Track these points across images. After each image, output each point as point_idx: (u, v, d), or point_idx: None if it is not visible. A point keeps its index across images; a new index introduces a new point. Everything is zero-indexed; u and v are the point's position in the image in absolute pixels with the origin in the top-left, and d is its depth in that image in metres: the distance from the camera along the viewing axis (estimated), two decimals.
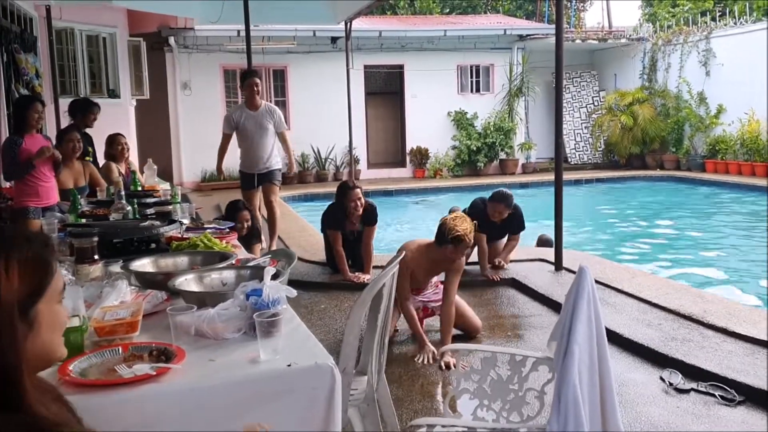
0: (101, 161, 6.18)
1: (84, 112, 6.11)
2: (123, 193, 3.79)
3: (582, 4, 25.09)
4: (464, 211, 5.94)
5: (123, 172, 5.92)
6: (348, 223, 5.74)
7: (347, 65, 11.22)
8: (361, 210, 5.64)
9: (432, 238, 4.22)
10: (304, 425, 1.70)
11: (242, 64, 11.28)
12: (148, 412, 1.58)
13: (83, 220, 3.59)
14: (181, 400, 1.61)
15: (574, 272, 5.59)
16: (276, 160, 6.83)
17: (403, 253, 3.79)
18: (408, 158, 15.54)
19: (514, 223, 5.87)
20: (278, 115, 6.76)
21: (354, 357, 2.45)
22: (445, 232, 4.04)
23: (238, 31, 12.28)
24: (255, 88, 6.52)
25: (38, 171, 4.77)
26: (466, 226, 4.03)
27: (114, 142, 6.03)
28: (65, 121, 7.12)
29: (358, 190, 5.67)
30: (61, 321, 1.17)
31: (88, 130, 6.21)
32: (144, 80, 12.14)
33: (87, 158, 5.93)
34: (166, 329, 1.88)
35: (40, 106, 4.92)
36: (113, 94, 11.18)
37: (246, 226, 5.52)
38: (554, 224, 5.81)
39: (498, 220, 5.74)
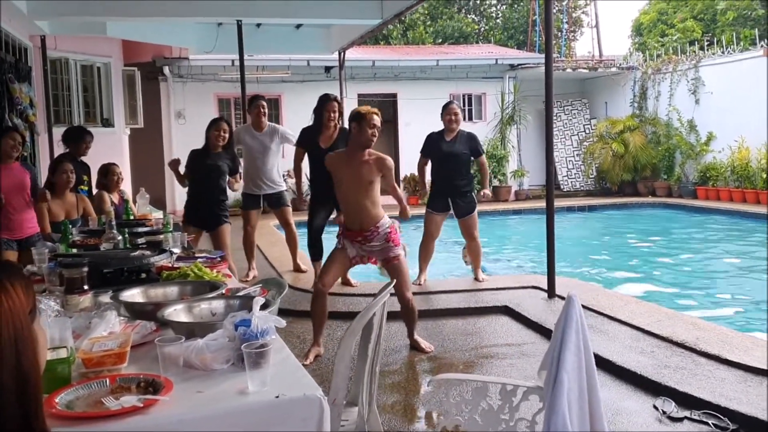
0: (95, 190, 6.17)
1: (77, 141, 6.06)
2: (114, 222, 3.79)
3: (572, 34, 25.42)
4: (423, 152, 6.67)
5: (116, 201, 5.90)
6: (322, 138, 5.91)
7: (341, 94, 11.27)
8: (334, 125, 5.91)
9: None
10: None
11: (236, 94, 11.36)
12: None
13: (74, 250, 3.59)
14: None
15: None
16: (281, 182, 6.98)
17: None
18: (402, 185, 15.58)
19: (468, 139, 6.43)
20: (281, 132, 6.98)
21: (344, 388, 2.44)
22: (350, 118, 4.36)
23: (233, 61, 12.38)
24: (262, 110, 6.82)
25: (9, 204, 4.68)
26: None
27: (108, 172, 6.00)
28: (59, 149, 7.13)
29: (336, 103, 5.92)
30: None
31: (83, 159, 6.20)
32: (138, 109, 12.20)
33: (82, 187, 5.92)
34: (155, 360, 1.88)
35: (17, 135, 4.87)
36: (107, 123, 11.21)
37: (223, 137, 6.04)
38: (546, 251, 5.81)
39: (454, 130, 6.41)
